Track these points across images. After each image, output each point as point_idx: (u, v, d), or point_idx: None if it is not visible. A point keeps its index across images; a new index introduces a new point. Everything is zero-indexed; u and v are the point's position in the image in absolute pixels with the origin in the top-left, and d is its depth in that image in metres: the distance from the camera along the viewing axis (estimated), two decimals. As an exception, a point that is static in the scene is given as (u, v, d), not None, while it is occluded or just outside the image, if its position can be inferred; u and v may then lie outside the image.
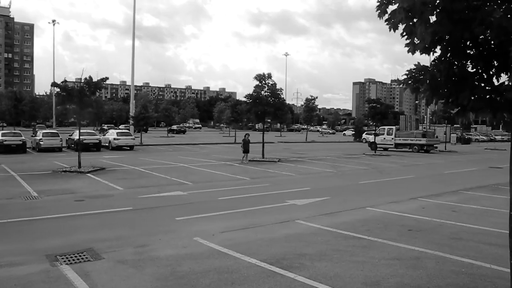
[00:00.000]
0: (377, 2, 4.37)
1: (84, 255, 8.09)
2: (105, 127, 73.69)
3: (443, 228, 10.68)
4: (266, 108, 28.26)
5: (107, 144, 37.39)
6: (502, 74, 4.28)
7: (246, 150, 27.36)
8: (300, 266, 7.54)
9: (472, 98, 4.47)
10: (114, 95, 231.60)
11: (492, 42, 4.18)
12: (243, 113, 33.65)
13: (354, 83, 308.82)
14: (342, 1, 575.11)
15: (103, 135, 40.86)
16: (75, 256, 8.02)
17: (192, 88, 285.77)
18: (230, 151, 37.37)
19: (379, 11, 4.45)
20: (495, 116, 4.50)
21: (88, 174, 19.97)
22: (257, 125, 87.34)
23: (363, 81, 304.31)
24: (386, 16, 4.46)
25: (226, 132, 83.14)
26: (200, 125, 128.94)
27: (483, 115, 4.75)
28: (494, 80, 4.51)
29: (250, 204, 13.29)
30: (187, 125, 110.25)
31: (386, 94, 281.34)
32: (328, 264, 7.71)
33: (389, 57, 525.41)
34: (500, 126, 5.30)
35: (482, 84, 4.39)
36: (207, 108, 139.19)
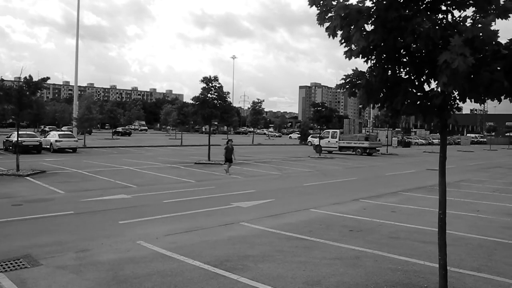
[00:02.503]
0: (317, 10, 4.51)
1: (20, 262, 7.76)
2: (47, 128, 70.94)
3: (383, 228, 11.08)
4: (213, 111, 28.25)
5: (48, 147, 36.01)
6: (431, 81, 4.54)
7: (228, 159, 22.99)
8: (244, 268, 7.60)
9: (405, 102, 4.71)
10: (56, 95, 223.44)
11: (423, 50, 4.41)
12: (189, 116, 33.38)
13: (301, 87, 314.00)
14: (285, 6, 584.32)
15: (44, 137, 39.29)
16: (11, 263, 7.68)
17: (138, 89, 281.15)
18: (176, 154, 37.00)
19: (319, 18, 4.59)
20: (425, 119, 4.78)
21: (27, 178, 19.17)
22: (203, 127, 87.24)
23: (309, 85, 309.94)
24: (327, 24, 4.61)
25: (172, 134, 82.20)
26: (146, 128, 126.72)
27: (415, 118, 5.01)
28: (426, 86, 4.76)
29: (195, 207, 13.23)
30: (133, 127, 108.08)
31: (332, 98, 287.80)
32: (271, 265, 7.82)
33: (333, 62, 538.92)
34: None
35: (414, 90, 4.63)
36: (154, 110, 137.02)
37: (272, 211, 12.89)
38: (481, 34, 3.96)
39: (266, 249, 8.88)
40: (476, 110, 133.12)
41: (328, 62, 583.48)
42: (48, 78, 21.29)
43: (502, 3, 4.12)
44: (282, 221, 11.60)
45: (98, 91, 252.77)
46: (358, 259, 8.29)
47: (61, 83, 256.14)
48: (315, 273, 7.37)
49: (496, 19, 4.10)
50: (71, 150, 36.39)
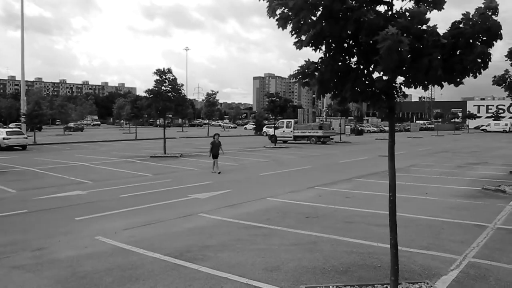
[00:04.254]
0: (267, 2, 4.63)
1: (-28, 263, 7.56)
2: (-7, 126, 68.08)
3: (338, 213, 11.43)
4: (167, 104, 27.96)
5: (-5, 145, 34.58)
6: (378, 69, 4.77)
7: (215, 155, 20.53)
8: (204, 258, 7.70)
9: (355, 90, 4.92)
10: (1, 91, 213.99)
11: (370, 40, 4.62)
12: (143, 109, 32.79)
13: (255, 78, 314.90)
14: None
15: (-10, 135, 37.66)
16: (-38, 265, 7.47)
17: (90, 83, 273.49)
18: (131, 148, 36.44)
19: (269, 11, 4.71)
20: (374, 106, 5.04)
21: (-26, 178, 18.44)
22: (158, 121, 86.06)
23: (263, 75, 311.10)
24: (277, 15, 4.74)
25: (126, 128, 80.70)
26: (99, 122, 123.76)
27: (367, 106, 5.26)
28: (374, 75, 4.99)
29: (152, 200, 13.17)
30: (85, 122, 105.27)
31: (285, 88, 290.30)
32: (231, 253, 7.95)
33: (285, 53, 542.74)
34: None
35: (363, 78, 4.85)
36: (106, 104, 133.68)
37: (230, 201, 13.02)
38: (416, 23, 4.26)
39: (225, 238, 9.01)
40: (424, 97, 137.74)
41: (280, 52, 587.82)
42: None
43: None
44: (240, 211, 11.75)
45: (47, 86, 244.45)
46: (315, 244, 8.55)
47: (6, 78, 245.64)
48: (274, 259, 7.56)
49: (433, 10, 4.41)
50: (21, 148, 35.11)
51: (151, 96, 28.27)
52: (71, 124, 78.46)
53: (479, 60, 4.52)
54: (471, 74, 4.67)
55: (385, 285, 6.04)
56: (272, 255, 7.83)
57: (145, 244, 8.58)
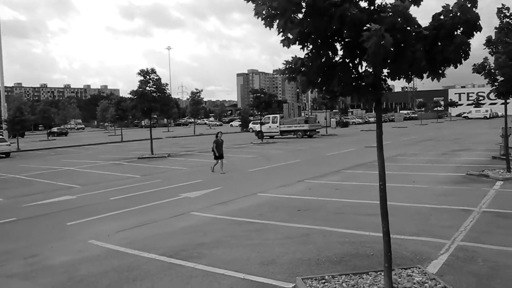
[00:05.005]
0: (252, 3, 4.72)
1: (-33, 274, 7.54)
2: (-27, 134, 66.99)
3: (328, 205, 11.60)
4: (152, 104, 27.91)
5: (-23, 153, 34.15)
6: (363, 63, 4.90)
7: (221, 155, 19.43)
8: (199, 255, 7.79)
9: (342, 84, 5.04)
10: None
11: (356, 35, 4.74)
12: (128, 110, 32.65)
13: (238, 74, 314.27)
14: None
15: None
16: (-43, 275, 7.45)
17: (72, 87, 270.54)
18: (118, 150, 36.26)
19: (256, 13, 4.80)
20: (360, 99, 5.18)
21: (-40, 187, 18.25)
22: (143, 122, 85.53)
23: (246, 72, 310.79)
24: (263, 15, 4.83)
25: (111, 131, 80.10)
26: (83, 126, 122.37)
27: (352, 98, 5.41)
28: (360, 69, 5.12)
29: (143, 201, 13.20)
30: (69, 126, 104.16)
31: (269, 84, 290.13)
32: (225, 250, 8.06)
33: (267, 48, 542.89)
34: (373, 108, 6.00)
35: (349, 73, 4.97)
36: (89, 107, 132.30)
37: (221, 199, 13.11)
38: (399, 18, 4.41)
39: (219, 235, 9.10)
40: (406, 88, 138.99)
41: (262, 48, 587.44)
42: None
43: None
44: (231, 208, 11.85)
45: (28, 91, 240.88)
46: (308, 236, 8.69)
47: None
48: (268, 254, 7.68)
49: (413, 6, 4.57)
50: (4, 155, 34.71)
51: (135, 97, 28.19)
52: (55, 129, 77.57)
53: (460, 51, 4.67)
54: (452, 65, 4.83)
55: (379, 272, 6.19)
56: (267, 249, 7.95)
57: (139, 245, 8.63)
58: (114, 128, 75.59)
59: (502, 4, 14.40)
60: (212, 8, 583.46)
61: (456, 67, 4.88)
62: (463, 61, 4.91)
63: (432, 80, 5.22)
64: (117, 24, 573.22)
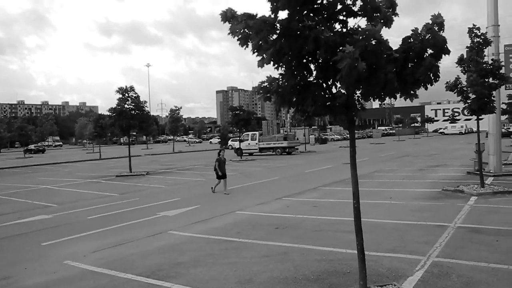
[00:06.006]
0: (229, 24, 4.82)
1: None
2: None
3: (306, 223, 11.64)
4: (131, 121, 27.82)
5: (-50, 172, 33.37)
6: (337, 83, 5.02)
7: (224, 174, 18.22)
8: (177, 275, 7.73)
9: (316, 104, 5.15)
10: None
11: (329, 57, 4.87)
12: (107, 127, 32.46)
13: (217, 91, 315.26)
14: (191, 11, 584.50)
15: None
16: None
17: (50, 103, 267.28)
18: (96, 168, 35.81)
19: (232, 32, 4.90)
20: (335, 118, 5.29)
21: None
22: (122, 139, 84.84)
23: (225, 89, 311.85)
24: (239, 35, 4.92)
25: (89, 148, 79.18)
26: (61, 143, 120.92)
27: (329, 116, 5.52)
28: (333, 89, 5.24)
29: (121, 220, 13.05)
30: (46, 143, 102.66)
31: (249, 100, 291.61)
32: (203, 269, 8.01)
33: (245, 65, 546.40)
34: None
35: (322, 93, 5.08)
36: (67, 124, 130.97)
37: (199, 217, 13.05)
38: (372, 40, 4.55)
39: (196, 254, 9.05)
40: (384, 104, 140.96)
41: (241, 65, 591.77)
42: None
43: (385, 12, 4.74)
44: (209, 226, 11.80)
45: (4, 108, 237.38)
46: (286, 254, 8.70)
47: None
48: (246, 272, 7.67)
49: (384, 27, 4.72)
50: (-21, 174, 34.02)
51: (114, 114, 28.04)
52: (32, 146, 76.36)
53: (429, 73, 4.83)
54: (422, 86, 4.98)
55: (354, 290, 6.24)
56: (244, 268, 7.93)
57: (116, 265, 8.52)
58: (93, 145, 74.78)
59: (473, 24, 14.86)
60: (190, 26, 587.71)
61: (426, 88, 5.04)
62: (433, 82, 5.07)
63: (405, 100, 5.37)
64: (95, 40, 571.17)
